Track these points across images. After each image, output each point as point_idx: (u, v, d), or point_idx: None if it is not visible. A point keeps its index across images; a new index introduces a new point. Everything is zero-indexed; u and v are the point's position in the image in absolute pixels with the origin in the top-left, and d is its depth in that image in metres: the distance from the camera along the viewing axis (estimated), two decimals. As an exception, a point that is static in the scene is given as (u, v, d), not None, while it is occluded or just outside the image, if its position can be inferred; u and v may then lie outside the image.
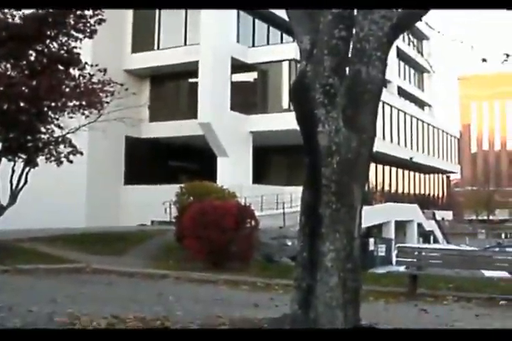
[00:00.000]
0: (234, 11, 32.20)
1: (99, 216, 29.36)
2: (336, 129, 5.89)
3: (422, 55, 49.15)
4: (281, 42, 36.01)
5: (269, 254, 19.18)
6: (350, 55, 6.21)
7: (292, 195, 26.38)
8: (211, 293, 11.73)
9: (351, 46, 6.18)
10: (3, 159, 16.90)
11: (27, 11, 16.35)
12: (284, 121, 29.57)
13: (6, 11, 16.23)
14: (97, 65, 17.35)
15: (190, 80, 33.89)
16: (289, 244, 20.25)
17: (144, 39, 34.14)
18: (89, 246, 18.32)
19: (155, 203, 25.83)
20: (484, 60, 10.15)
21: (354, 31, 6.20)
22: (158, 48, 33.93)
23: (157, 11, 33.31)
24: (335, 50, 5.97)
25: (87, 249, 17.97)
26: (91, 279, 13.04)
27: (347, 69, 6.18)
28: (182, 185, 23.10)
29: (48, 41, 16.34)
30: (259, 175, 33.89)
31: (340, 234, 5.81)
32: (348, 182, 5.90)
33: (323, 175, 5.84)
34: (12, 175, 16.80)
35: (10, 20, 16.20)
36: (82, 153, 17.48)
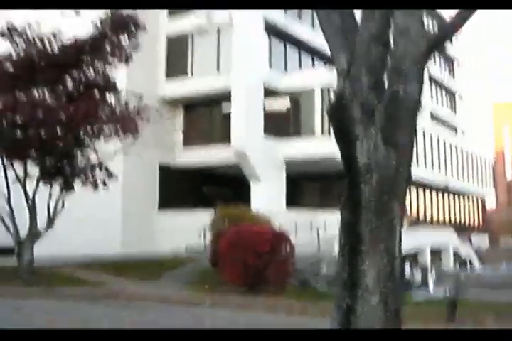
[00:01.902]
0: (265, 36, 32.48)
1: (134, 241, 29.41)
2: (375, 146, 5.84)
3: (453, 76, 48.94)
4: (313, 65, 36.09)
5: (304, 280, 19.02)
6: (386, 73, 6.19)
7: (326, 221, 26.24)
8: (248, 317, 11.65)
9: (388, 63, 6.16)
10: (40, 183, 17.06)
11: (65, 41, 16.66)
12: (317, 147, 29.81)
13: (45, 41, 16.53)
14: (132, 92, 17.51)
15: (224, 106, 34.04)
16: (325, 269, 20.07)
17: (177, 65, 34.40)
18: (126, 271, 18.33)
19: (189, 228, 25.84)
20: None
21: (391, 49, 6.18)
22: (191, 75, 34.17)
23: (190, 37, 33.59)
24: (373, 67, 5.95)
25: (123, 274, 17.98)
26: (127, 304, 13.02)
27: (384, 87, 6.15)
28: (217, 210, 23.11)
29: (84, 67, 16.58)
30: (293, 200, 33.77)
31: (380, 253, 5.73)
32: (387, 200, 5.83)
33: (363, 192, 5.79)
34: (49, 200, 16.96)
35: (49, 51, 16.49)
36: (117, 177, 17.61)
